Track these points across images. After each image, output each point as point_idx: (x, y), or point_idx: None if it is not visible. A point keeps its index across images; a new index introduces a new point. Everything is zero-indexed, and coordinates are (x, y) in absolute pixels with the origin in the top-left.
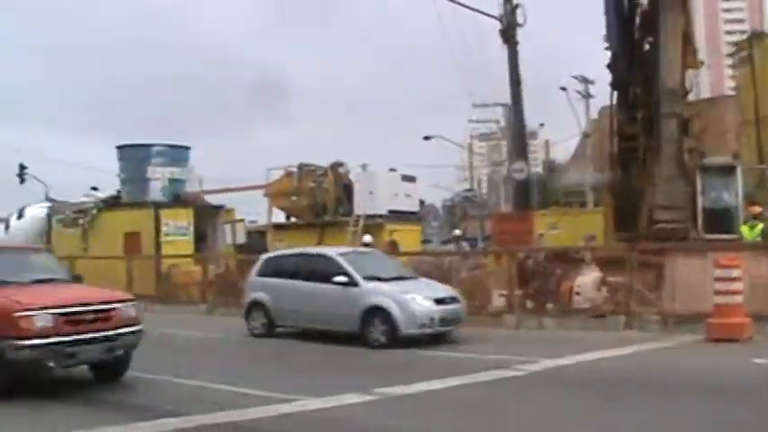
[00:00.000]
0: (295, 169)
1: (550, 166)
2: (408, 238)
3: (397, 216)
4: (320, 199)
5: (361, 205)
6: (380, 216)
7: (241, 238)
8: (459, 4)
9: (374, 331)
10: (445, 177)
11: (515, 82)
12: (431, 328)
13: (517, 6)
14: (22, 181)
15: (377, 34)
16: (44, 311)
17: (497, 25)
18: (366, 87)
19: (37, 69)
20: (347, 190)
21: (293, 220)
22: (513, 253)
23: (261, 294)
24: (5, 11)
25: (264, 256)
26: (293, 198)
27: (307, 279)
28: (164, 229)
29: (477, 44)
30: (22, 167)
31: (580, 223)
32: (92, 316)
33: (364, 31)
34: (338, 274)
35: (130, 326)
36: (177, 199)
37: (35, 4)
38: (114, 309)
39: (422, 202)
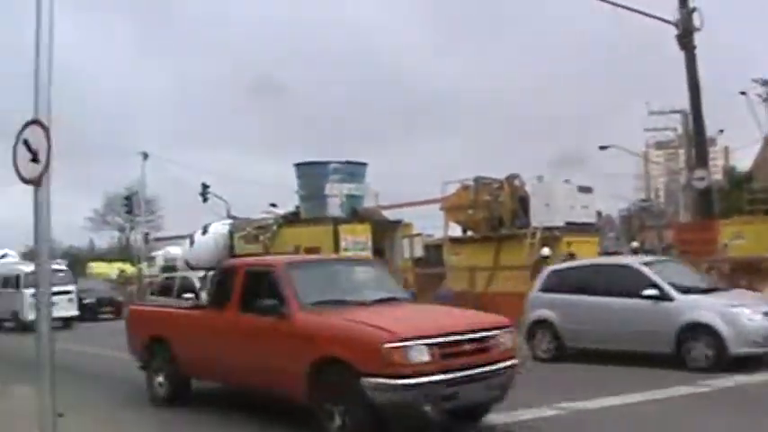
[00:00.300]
0: (471, 182)
1: (731, 173)
2: (586, 249)
3: (575, 228)
4: (496, 212)
5: (538, 217)
6: (557, 228)
7: (419, 253)
8: (635, 10)
9: (695, 351)
10: (621, 187)
11: (694, 88)
12: (764, 347)
13: (694, 10)
14: (205, 199)
15: (545, 45)
16: (419, 342)
17: (674, 30)
18: (536, 97)
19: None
20: (523, 202)
21: (469, 233)
22: (697, 264)
23: (547, 312)
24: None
25: (550, 269)
26: (470, 211)
27: (604, 294)
28: (342, 244)
29: (652, 50)
30: (205, 186)
31: (766, 232)
32: (471, 347)
33: (531, 42)
34: (647, 286)
35: (509, 359)
36: (355, 214)
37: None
38: (493, 337)
39: (599, 213)
